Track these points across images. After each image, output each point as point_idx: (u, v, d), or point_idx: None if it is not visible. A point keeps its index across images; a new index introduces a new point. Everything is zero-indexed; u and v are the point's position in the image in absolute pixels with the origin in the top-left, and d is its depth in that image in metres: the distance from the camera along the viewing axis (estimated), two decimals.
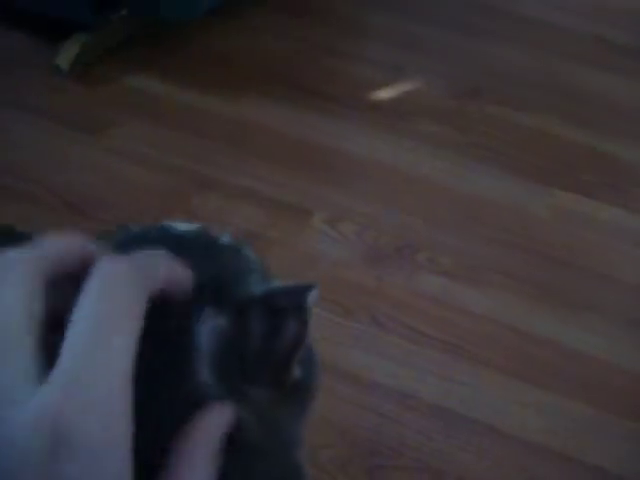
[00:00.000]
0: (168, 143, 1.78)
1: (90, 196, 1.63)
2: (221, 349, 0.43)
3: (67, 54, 1.93)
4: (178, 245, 0.45)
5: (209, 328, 0.43)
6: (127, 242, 0.46)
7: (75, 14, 1.91)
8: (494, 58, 2.18)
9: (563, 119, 1.99)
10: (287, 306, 0.45)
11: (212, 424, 0.42)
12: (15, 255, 0.39)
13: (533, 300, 1.52)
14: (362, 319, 1.43)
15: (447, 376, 1.36)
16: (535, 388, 1.38)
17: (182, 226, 0.49)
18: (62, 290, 0.39)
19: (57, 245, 0.41)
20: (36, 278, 0.39)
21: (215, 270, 0.46)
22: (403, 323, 1.43)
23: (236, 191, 1.67)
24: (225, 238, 0.49)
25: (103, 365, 0.36)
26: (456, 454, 1.25)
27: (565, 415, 1.34)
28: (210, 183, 1.69)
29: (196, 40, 2.10)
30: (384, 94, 1.99)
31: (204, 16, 2.02)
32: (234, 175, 1.71)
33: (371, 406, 1.29)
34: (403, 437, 1.26)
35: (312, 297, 0.46)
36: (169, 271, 0.42)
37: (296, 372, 0.46)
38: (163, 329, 0.42)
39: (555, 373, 1.40)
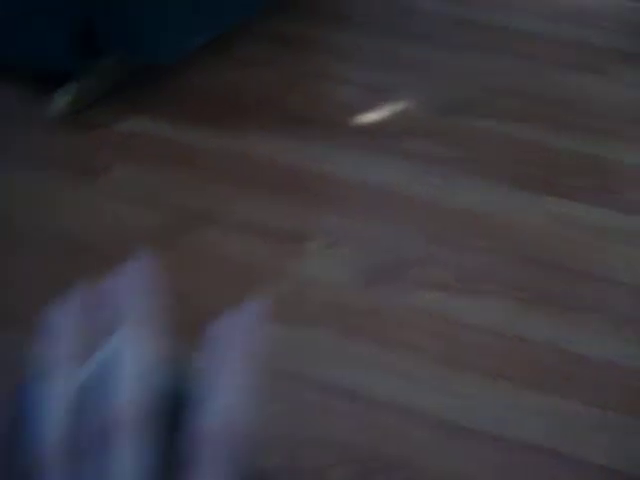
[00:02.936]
0: (161, 182, 1.82)
1: (87, 240, 1.66)
2: None
3: (59, 103, 1.98)
4: None
5: None
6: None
7: (62, 65, 1.95)
8: (479, 72, 2.21)
9: (550, 126, 2.02)
10: None
11: None
12: None
13: (529, 306, 1.54)
14: (361, 338, 1.45)
15: (448, 388, 1.38)
16: (536, 393, 1.40)
17: None
18: None
19: None
20: None
21: None
22: (402, 339, 1.46)
23: (232, 223, 1.70)
24: None
25: None
26: (460, 465, 1.27)
27: (569, 417, 1.36)
28: (206, 218, 1.72)
29: (184, 76, 2.14)
30: (373, 116, 2.02)
31: (193, 52, 2.06)
32: (229, 207, 1.74)
33: (375, 423, 1.32)
34: (407, 451, 1.28)
35: None
36: None
37: None
38: None
39: (556, 376, 1.43)
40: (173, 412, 0.40)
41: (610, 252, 1.68)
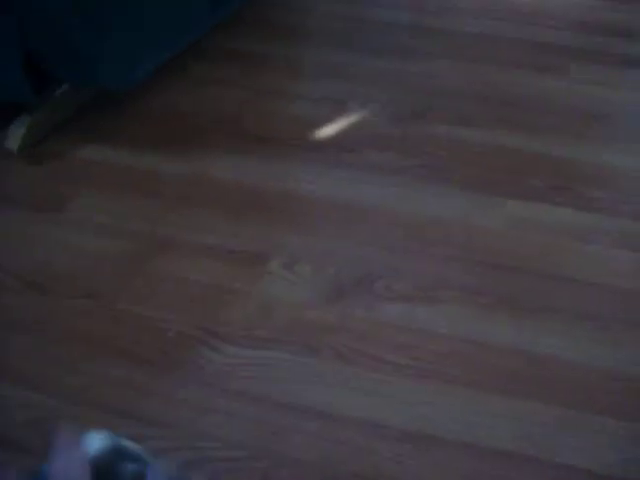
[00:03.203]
0: (124, 209, 1.82)
1: (53, 273, 1.66)
2: None
3: (14, 136, 1.98)
4: None
5: None
6: None
7: (17, 96, 1.95)
8: (432, 77, 2.23)
9: (505, 128, 2.04)
10: None
11: None
12: None
13: (492, 311, 1.56)
14: (326, 356, 1.47)
15: (415, 399, 1.40)
16: (503, 397, 1.41)
17: None
18: None
19: None
20: None
21: None
22: (367, 354, 1.47)
23: (194, 247, 1.71)
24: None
25: None
26: (431, 475, 1.28)
27: (536, 419, 1.38)
28: (169, 243, 1.73)
29: (142, 101, 2.14)
30: (328, 130, 2.04)
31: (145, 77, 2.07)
32: (191, 232, 1.75)
33: (344, 440, 1.33)
34: (378, 466, 1.29)
35: None
36: None
37: None
38: None
39: (521, 379, 1.44)
40: None
41: (572, 252, 1.70)
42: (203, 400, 1.39)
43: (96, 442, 0.59)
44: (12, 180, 1.92)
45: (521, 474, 1.31)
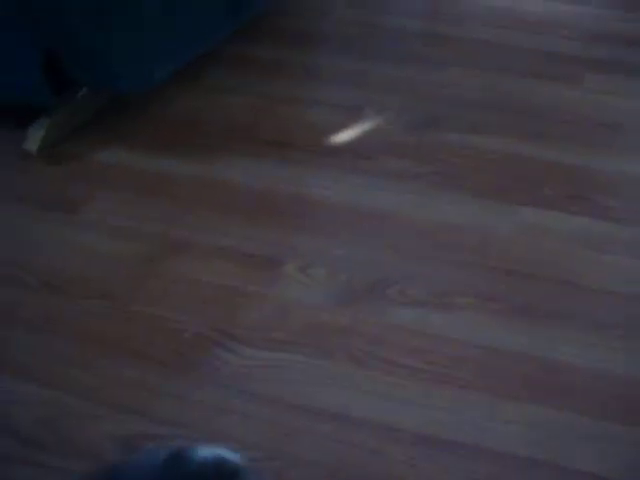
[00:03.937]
0: (139, 211, 1.83)
1: (68, 273, 1.67)
2: None
3: (34, 137, 1.99)
4: None
5: None
6: None
7: (38, 98, 1.97)
8: (447, 85, 2.24)
9: (518, 136, 2.05)
10: None
11: None
12: None
13: (505, 317, 1.57)
14: (340, 358, 1.48)
15: (428, 403, 1.40)
16: (516, 403, 1.42)
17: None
18: None
19: None
20: None
21: None
22: (380, 357, 1.48)
23: (209, 250, 1.72)
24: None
25: None
26: (443, 479, 1.29)
27: (548, 425, 1.38)
28: (183, 245, 1.74)
29: (157, 105, 2.16)
30: (344, 136, 2.05)
31: (162, 81, 2.09)
32: (205, 234, 1.76)
33: (357, 443, 1.33)
34: (391, 469, 1.30)
35: None
36: None
37: None
38: None
39: (534, 385, 1.45)
40: None
41: (586, 260, 1.71)
42: (219, 401, 1.40)
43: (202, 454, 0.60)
44: (30, 180, 1.93)
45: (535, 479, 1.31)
